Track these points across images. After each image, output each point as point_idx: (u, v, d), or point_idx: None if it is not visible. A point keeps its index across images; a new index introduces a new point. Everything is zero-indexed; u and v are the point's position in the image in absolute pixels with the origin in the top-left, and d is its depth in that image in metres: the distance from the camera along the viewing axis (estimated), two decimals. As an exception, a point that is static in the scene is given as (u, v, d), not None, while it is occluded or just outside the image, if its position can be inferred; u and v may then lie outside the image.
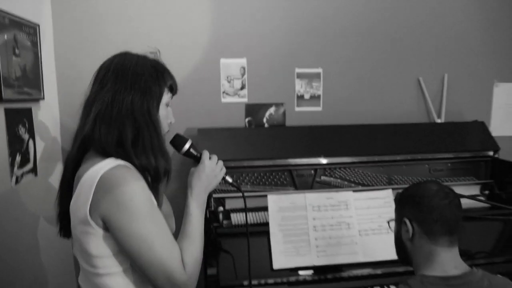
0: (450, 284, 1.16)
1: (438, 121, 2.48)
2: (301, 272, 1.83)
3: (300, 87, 2.35)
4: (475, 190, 2.26)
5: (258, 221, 2.00)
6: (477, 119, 2.41)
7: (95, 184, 1.03)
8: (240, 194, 1.36)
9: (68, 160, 1.15)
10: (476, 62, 2.55)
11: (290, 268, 1.82)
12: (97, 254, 1.08)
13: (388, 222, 1.41)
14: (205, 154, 1.25)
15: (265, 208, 1.99)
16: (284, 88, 2.36)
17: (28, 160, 1.84)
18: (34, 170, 1.89)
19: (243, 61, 2.29)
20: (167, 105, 1.20)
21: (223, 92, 2.30)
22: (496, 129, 2.58)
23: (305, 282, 1.85)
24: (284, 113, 2.36)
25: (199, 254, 1.14)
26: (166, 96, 1.19)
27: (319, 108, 2.39)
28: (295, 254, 1.84)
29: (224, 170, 1.28)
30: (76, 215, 1.07)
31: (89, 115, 1.10)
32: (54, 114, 2.14)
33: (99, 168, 1.05)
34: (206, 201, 1.23)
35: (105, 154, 1.08)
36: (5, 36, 1.62)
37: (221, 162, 1.28)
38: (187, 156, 1.27)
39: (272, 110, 2.34)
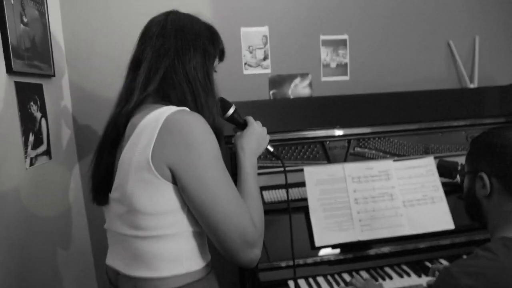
0: (540, 248, 0.99)
1: (471, 86, 2.34)
2: (339, 250, 1.70)
3: (325, 55, 2.20)
4: (516, 156, 2.13)
5: (292, 198, 1.86)
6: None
7: (160, 126, 0.90)
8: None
9: (120, 115, 1.02)
10: (508, 23, 2.40)
11: (332, 245, 1.69)
12: (152, 211, 0.94)
13: (459, 172, 1.24)
14: (251, 118, 1.19)
15: (298, 184, 1.85)
16: (309, 57, 2.21)
17: (41, 141, 1.68)
18: (48, 153, 1.73)
19: (265, 30, 2.13)
20: (214, 70, 1.12)
21: (245, 64, 2.14)
22: (531, 93, 2.45)
23: (346, 260, 1.72)
24: (310, 84, 2.21)
25: (262, 213, 1.03)
26: (216, 61, 1.12)
27: (347, 77, 2.25)
28: (338, 229, 1.70)
29: (269, 136, 1.21)
30: (131, 165, 0.93)
31: (157, 72, 1.01)
32: (65, 93, 1.98)
33: (163, 111, 0.93)
34: (257, 164, 1.13)
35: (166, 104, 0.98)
36: (12, 0, 1.46)
37: (266, 128, 1.21)
38: (229, 121, 1.20)
39: (297, 81, 2.19)
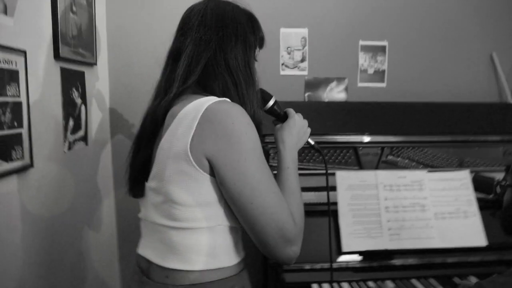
0: None
1: (512, 101, 2.28)
2: (365, 257, 1.67)
3: (363, 61, 2.18)
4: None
5: (321, 201, 1.84)
6: (555, 100, 2.20)
7: (200, 115, 0.88)
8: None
9: (159, 107, 0.99)
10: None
11: (359, 252, 1.66)
12: (188, 202, 0.92)
13: (499, 184, 1.22)
14: (292, 110, 1.15)
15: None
16: (346, 62, 2.19)
17: (79, 127, 1.73)
18: (85, 139, 1.78)
19: (304, 31, 2.13)
20: (255, 59, 1.09)
21: (282, 64, 2.14)
22: None
23: (372, 268, 1.69)
24: (346, 88, 2.19)
25: (303, 209, 1.00)
26: (256, 49, 1.09)
27: (383, 84, 2.22)
28: (366, 236, 1.67)
29: (310, 130, 1.16)
30: (169, 155, 0.91)
31: (198, 63, 0.99)
32: (104, 82, 2.02)
33: (204, 101, 0.91)
34: (297, 158, 1.10)
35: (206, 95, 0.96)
36: (64, -11, 1.51)
37: (307, 121, 1.16)
38: (269, 113, 1.16)
39: (333, 85, 2.18)
